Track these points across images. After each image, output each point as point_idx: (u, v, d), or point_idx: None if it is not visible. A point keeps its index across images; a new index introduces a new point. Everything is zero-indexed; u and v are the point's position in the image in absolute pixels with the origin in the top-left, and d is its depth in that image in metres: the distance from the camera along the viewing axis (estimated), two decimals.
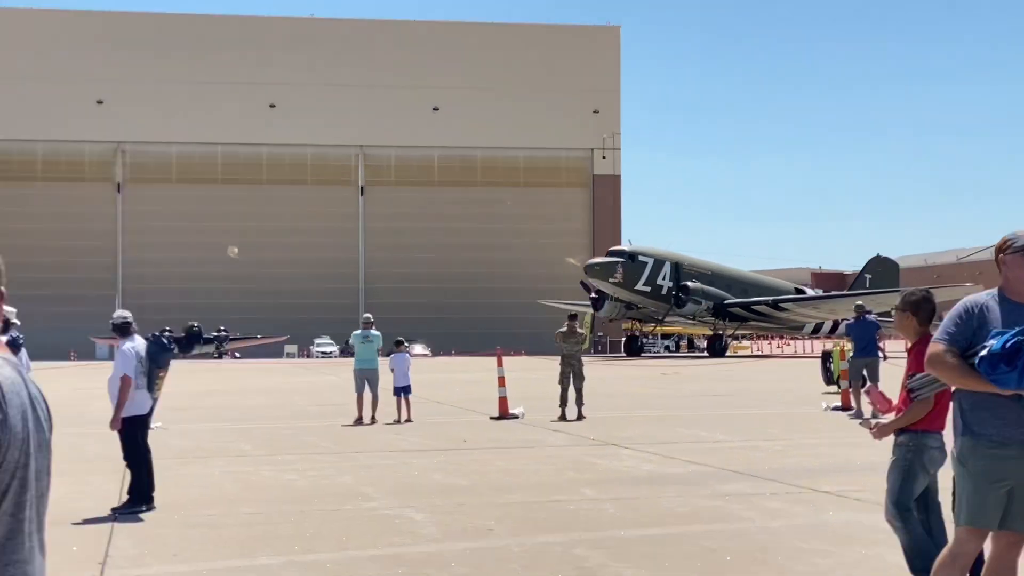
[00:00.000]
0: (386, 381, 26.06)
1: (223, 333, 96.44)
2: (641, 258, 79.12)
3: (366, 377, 25.58)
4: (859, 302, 28.94)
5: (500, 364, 27.61)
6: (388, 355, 27.00)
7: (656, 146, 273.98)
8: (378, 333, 26.45)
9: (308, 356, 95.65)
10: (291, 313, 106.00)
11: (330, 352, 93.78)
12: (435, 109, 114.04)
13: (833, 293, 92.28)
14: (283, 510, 13.17)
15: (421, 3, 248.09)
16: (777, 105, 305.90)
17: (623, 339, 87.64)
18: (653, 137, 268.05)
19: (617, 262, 78.43)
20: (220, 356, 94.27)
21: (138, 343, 13.76)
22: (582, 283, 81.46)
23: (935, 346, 6.96)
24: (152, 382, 13.86)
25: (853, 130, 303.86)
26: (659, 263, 79.29)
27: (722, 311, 79.35)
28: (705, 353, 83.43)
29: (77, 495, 13.68)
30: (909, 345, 8.55)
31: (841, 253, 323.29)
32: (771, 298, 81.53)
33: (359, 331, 26.50)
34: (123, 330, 13.75)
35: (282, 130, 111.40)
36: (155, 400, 13.95)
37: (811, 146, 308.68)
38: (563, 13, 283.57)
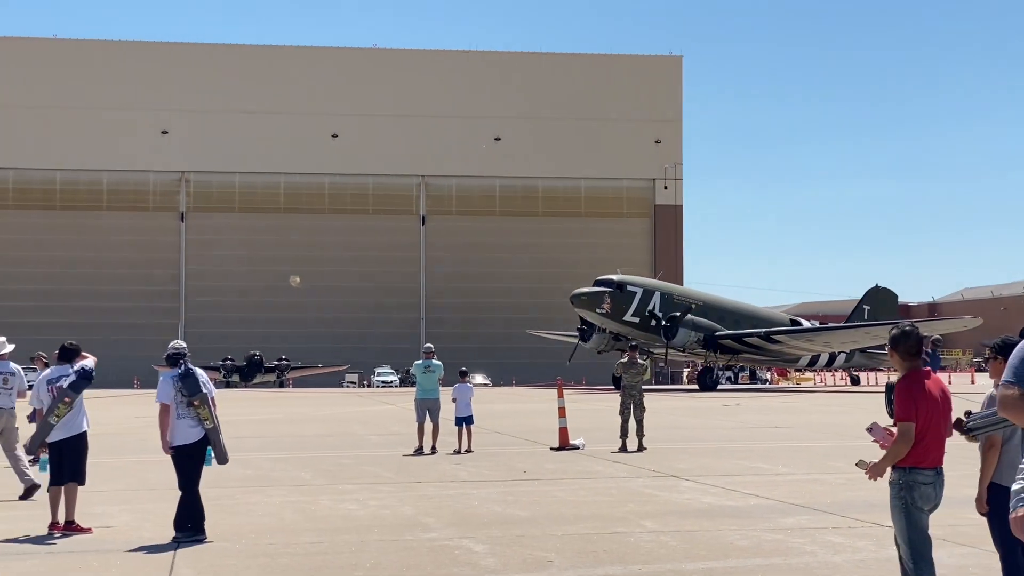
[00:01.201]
0: (447, 411, 26.07)
1: (284, 362, 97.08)
2: (630, 288, 76.36)
3: (428, 407, 25.59)
4: (936, 336, 28.28)
5: (561, 395, 27.55)
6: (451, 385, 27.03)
7: (718, 176, 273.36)
8: (440, 363, 26.41)
9: (369, 385, 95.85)
10: (352, 342, 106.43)
11: (391, 381, 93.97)
12: (497, 139, 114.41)
13: (830, 325, 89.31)
14: (343, 540, 13.19)
15: (483, 33, 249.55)
16: (841, 134, 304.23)
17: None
18: (715, 167, 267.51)
19: (604, 292, 75.51)
20: (281, 385, 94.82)
21: (198, 374, 13.83)
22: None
23: (1007, 389, 6.75)
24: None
25: (919, 158, 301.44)
26: (648, 293, 76.64)
27: (713, 343, 76.54)
28: (695, 387, 79.68)
29: (139, 522, 13.78)
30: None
31: (906, 283, 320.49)
32: (763, 330, 78.93)
33: (421, 361, 26.50)
34: (171, 361, 13.88)
35: (344, 160, 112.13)
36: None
37: (875, 176, 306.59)
38: (625, 43, 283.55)
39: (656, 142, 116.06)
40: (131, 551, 12.69)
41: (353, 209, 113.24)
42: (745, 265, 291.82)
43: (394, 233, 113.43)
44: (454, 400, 26.12)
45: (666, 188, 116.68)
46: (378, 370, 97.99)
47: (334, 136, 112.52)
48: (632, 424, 25.65)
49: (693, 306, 76.44)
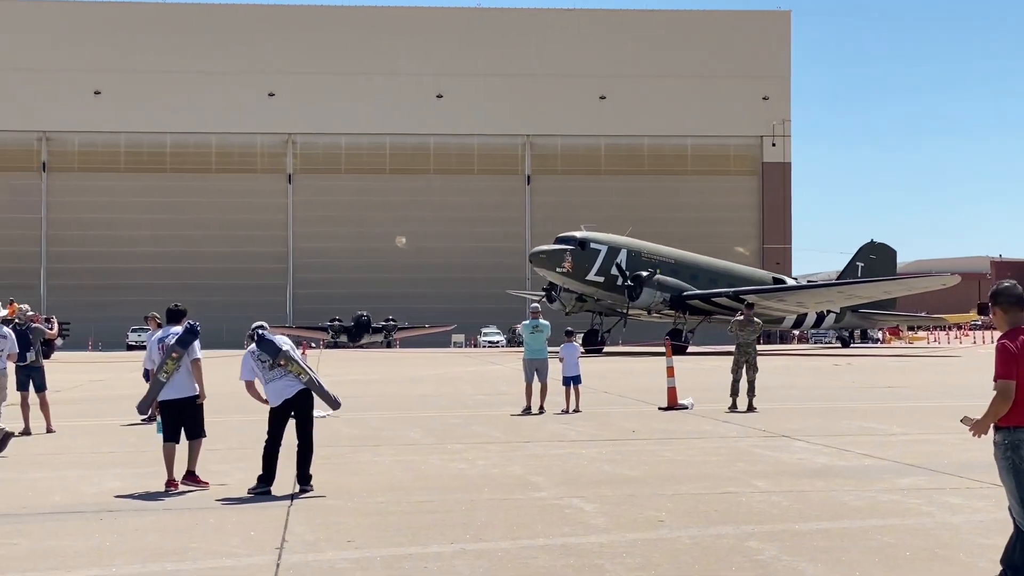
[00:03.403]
0: (555, 370, 26.05)
1: (391, 322, 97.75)
2: (593, 245, 72.37)
3: (536, 367, 25.55)
4: None
5: (669, 355, 27.41)
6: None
7: (827, 133, 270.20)
8: (547, 323, 26.35)
9: (475, 345, 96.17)
10: (458, 303, 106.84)
11: (497, 341, 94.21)
12: (602, 97, 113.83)
13: (802, 284, 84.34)
14: (453, 498, 13.25)
15: None
16: (951, 88, 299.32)
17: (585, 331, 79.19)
18: (824, 124, 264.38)
19: (565, 250, 71.54)
20: (389, 345, 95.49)
21: (271, 338, 14.46)
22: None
23: None
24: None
25: None
26: (613, 251, 72.56)
27: (681, 303, 71.77)
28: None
29: (254, 480, 13.91)
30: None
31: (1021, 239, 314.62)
32: (732, 290, 72.97)
33: (528, 321, 26.48)
34: (250, 338, 14.63)
35: (449, 120, 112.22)
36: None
37: (989, 129, 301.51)
38: None
39: (763, 99, 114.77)
40: (246, 507, 12.86)
41: (458, 169, 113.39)
42: (854, 224, 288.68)
43: (499, 193, 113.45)
44: (561, 359, 26.07)
45: (774, 145, 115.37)
46: (484, 330, 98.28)
47: (439, 96, 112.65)
48: (743, 384, 25.50)
49: (661, 289, 71.27)
